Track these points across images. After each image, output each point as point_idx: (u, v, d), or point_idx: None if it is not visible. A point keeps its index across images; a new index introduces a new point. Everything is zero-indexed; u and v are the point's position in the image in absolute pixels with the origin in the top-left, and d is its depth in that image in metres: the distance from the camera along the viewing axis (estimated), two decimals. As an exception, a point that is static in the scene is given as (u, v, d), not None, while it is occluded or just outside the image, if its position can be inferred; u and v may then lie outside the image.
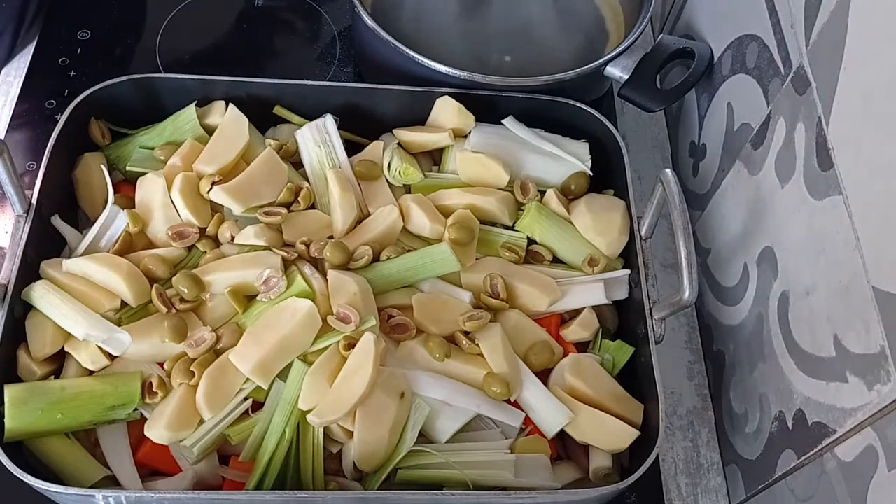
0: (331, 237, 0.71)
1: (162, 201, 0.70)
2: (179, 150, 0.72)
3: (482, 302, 0.69)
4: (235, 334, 0.64)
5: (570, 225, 0.73)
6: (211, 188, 0.69)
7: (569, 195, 0.75)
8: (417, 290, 0.69)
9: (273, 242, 0.69)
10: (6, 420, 0.59)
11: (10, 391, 0.60)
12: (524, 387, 0.66)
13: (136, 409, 0.62)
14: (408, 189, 0.75)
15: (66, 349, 0.64)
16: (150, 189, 0.71)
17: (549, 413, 0.65)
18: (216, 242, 0.70)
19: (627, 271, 0.72)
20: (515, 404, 0.66)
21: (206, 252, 0.69)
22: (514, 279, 0.69)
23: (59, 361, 0.65)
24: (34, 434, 0.60)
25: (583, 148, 0.77)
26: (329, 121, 0.75)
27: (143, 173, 0.72)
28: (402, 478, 0.62)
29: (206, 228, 0.70)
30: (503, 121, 0.77)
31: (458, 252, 0.69)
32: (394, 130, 0.78)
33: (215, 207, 0.71)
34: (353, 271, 0.68)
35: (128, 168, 0.73)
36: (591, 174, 0.76)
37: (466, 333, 0.66)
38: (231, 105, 0.75)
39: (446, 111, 0.77)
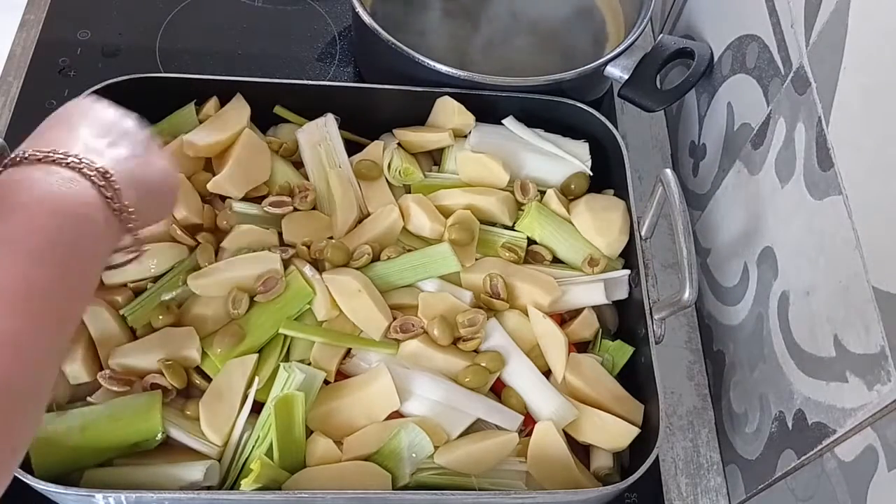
0: (331, 237, 0.71)
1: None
2: (173, 143, 0.73)
3: (482, 302, 0.69)
4: (235, 336, 0.64)
5: (570, 225, 0.73)
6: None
7: (569, 195, 0.75)
8: (418, 290, 0.69)
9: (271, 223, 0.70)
10: (33, 467, 0.58)
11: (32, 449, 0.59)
12: (530, 387, 0.66)
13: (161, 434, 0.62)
14: (408, 189, 0.75)
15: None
16: None
17: (554, 411, 0.65)
18: (216, 242, 0.70)
19: (627, 271, 0.72)
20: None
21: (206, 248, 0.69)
22: (514, 279, 0.69)
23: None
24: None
25: (583, 148, 0.77)
26: (329, 120, 0.76)
27: None
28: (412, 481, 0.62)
29: (202, 224, 0.70)
30: (503, 121, 0.77)
31: (459, 252, 0.69)
32: (394, 130, 0.78)
33: (210, 205, 0.72)
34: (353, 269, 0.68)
35: None
36: (591, 174, 0.76)
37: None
38: (238, 94, 0.76)
39: (446, 111, 0.77)
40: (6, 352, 0.41)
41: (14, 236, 0.44)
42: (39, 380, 0.43)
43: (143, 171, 0.52)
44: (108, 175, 0.48)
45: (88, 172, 0.47)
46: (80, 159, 0.47)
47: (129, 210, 0.49)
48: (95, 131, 0.51)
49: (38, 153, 0.47)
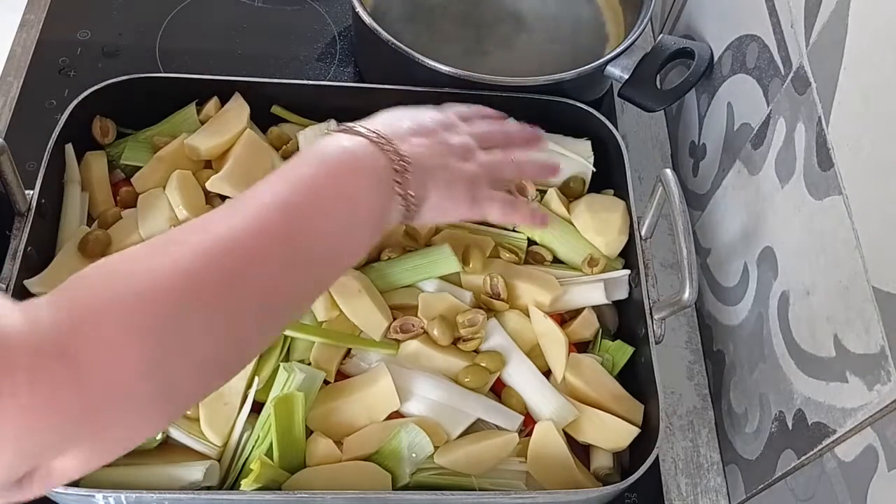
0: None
1: (167, 217, 0.70)
2: (174, 143, 0.73)
3: (482, 302, 0.69)
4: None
5: (571, 225, 0.73)
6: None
7: (569, 195, 0.75)
8: (418, 290, 0.69)
9: None
10: None
11: None
12: (530, 387, 0.66)
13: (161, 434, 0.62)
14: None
15: None
16: (153, 205, 0.70)
17: (554, 411, 0.65)
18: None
19: (627, 271, 0.72)
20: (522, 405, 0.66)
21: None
22: (514, 278, 0.69)
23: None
24: None
25: (585, 146, 0.77)
26: (332, 126, 0.76)
27: (138, 167, 0.73)
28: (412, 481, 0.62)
29: None
30: (503, 120, 0.77)
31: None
32: None
33: (211, 204, 0.72)
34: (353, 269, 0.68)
35: (122, 161, 0.74)
36: (595, 170, 0.76)
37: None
38: (237, 94, 0.76)
39: None
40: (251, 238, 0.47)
41: (287, 169, 0.52)
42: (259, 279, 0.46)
43: (435, 172, 0.57)
44: (403, 157, 0.55)
45: (382, 145, 0.54)
46: (378, 134, 0.55)
47: (411, 194, 0.55)
48: (411, 126, 0.59)
49: (344, 125, 0.56)
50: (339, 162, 0.52)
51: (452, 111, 0.64)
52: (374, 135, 0.55)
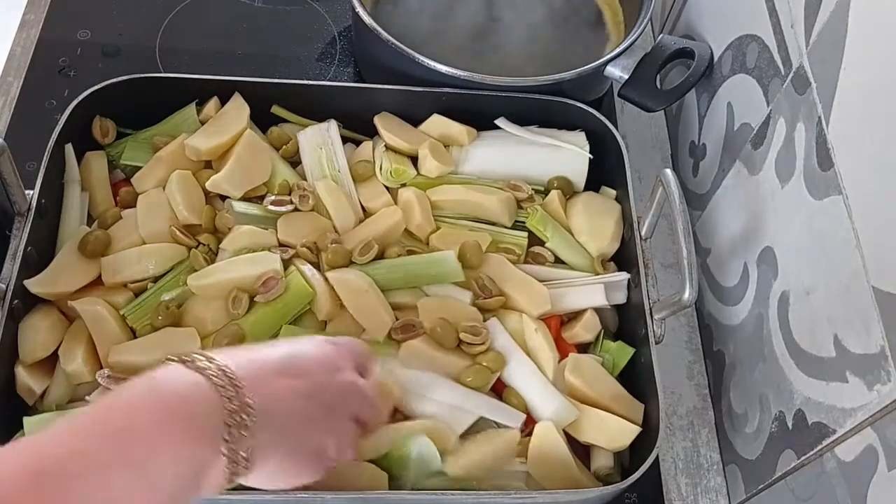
0: (333, 241, 0.70)
1: (167, 217, 0.70)
2: (173, 143, 0.73)
3: (477, 305, 0.69)
4: (234, 337, 0.64)
5: (568, 227, 0.74)
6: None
7: (566, 190, 0.76)
8: (417, 289, 0.69)
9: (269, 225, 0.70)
10: None
11: (28, 424, 0.60)
12: (531, 387, 0.66)
13: None
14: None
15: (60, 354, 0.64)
16: (153, 205, 0.70)
17: (555, 411, 0.65)
18: (216, 242, 0.70)
19: (626, 275, 0.71)
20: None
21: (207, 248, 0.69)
22: (506, 286, 0.69)
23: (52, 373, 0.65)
24: None
25: (579, 136, 0.77)
26: (332, 127, 0.76)
27: (138, 167, 0.73)
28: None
29: (201, 225, 0.70)
30: (495, 121, 0.78)
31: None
32: (380, 132, 0.77)
33: (211, 204, 0.72)
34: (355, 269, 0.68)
35: (122, 161, 0.74)
36: (591, 156, 0.76)
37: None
38: (237, 94, 0.76)
39: (437, 127, 0.77)
40: None
41: (83, 416, 0.42)
42: None
43: (287, 434, 0.47)
44: (247, 407, 0.44)
45: (223, 389, 0.43)
46: (225, 373, 0.44)
47: (243, 455, 0.44)
48: (280, 366, 0.48)
49: (188, 355, 0.45)
50: (145, 412, 0.42)
51: (342, 355, 0.53)
52: (220, 373, 0.44)
